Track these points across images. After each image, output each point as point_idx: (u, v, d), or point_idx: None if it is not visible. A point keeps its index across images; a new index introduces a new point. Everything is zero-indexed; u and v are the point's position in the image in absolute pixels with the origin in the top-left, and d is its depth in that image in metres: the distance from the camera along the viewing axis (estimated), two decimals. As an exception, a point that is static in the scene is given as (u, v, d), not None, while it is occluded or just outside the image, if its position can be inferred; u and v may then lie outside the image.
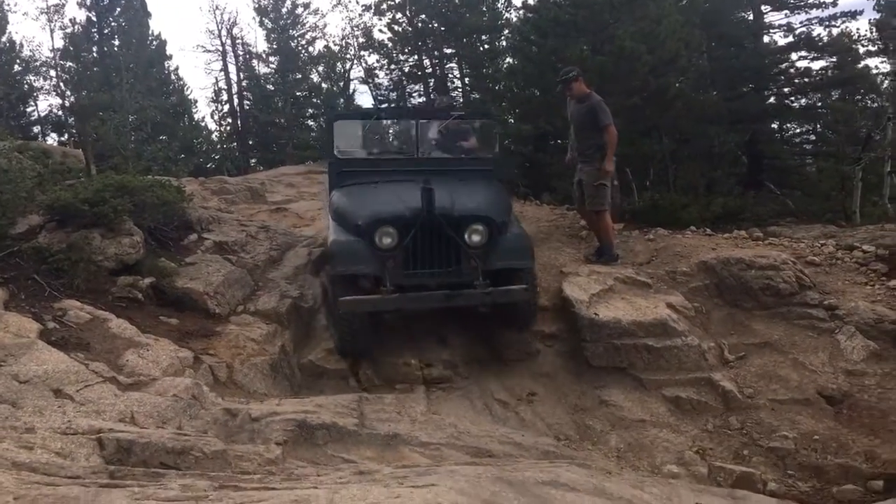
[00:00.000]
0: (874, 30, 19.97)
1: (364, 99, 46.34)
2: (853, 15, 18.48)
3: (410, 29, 24.39)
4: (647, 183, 14.88)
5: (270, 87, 30.22)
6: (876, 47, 19.87)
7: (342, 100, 27.77)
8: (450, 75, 24.33)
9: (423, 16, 24.17)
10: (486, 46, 23.43)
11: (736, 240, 9.16)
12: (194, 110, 31.94)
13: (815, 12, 18.21)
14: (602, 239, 8.49)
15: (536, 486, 4.18)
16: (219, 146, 30.69)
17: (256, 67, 31.51)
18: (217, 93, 31.19)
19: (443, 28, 23.69)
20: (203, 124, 31.60)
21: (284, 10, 31.59)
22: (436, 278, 6.58)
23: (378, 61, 26.41)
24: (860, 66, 23.47)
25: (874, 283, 7.57)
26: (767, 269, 7.56)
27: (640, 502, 4.33)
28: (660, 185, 15.02)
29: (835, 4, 18.07)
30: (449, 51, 24.20)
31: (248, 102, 30.20)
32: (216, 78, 31.92)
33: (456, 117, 8.43)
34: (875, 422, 5.99)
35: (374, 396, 6.20)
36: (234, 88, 30.54)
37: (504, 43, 22.45)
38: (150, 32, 31.84)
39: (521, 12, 19.70)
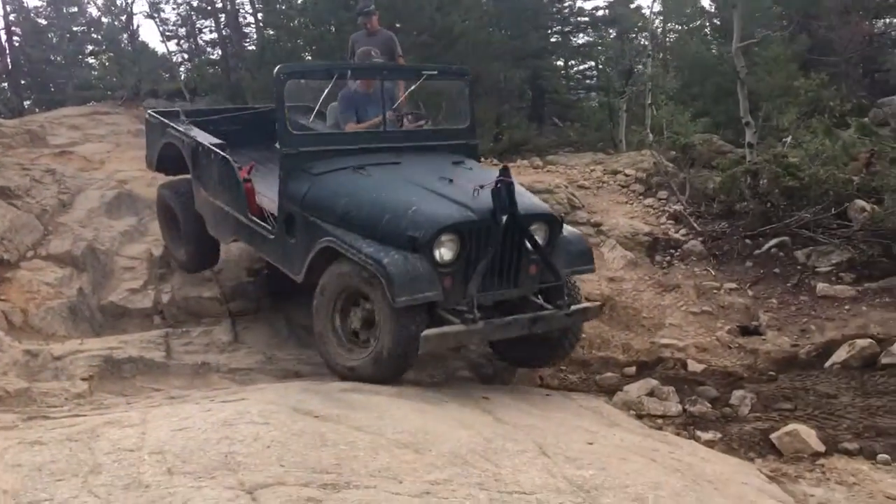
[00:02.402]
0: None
1: (150, 35, 43.83)
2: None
3: (197, -40, 23.33)
4: (439, 118, 15.50)
5: (42, 20, 27.77)
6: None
7: (126, 35, 26.14)
8: (241, 11, 23.61)
9: (210, -53, 23.17)
10: (279, -19, 22.95)
11: (519, 168, 10.01)
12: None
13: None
14: None
15: (340, 393, 4.62)
16: (-14, 87, 27.95)
17: (24, -1, 28.80)
18: (-22, 28, 28.24)
19: (232, -39, 22.86)
20: (-36, 63, 28.58)
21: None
22: (498, 297, 5.28)
23: (164, -7, 25.06)
24: (633, 5, 25.52)
25: (633, 202, 8.65)
26: (543, 193, 8.38)
27: (436, 400, 4.87)
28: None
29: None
30: (240, -15, 23.43)
31: (17, 38, 27.60)
32: (-24, 11, 28.88)
33: (428, 76, 6.34)
34: (630, 319, 7.00)
35: (180, 330, 6.37)
36: (0, 23, 27.78)
37: (295, -22, 22.12)
38: None
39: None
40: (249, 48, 20.71)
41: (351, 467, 3.32)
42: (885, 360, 5.24)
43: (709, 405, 5.27)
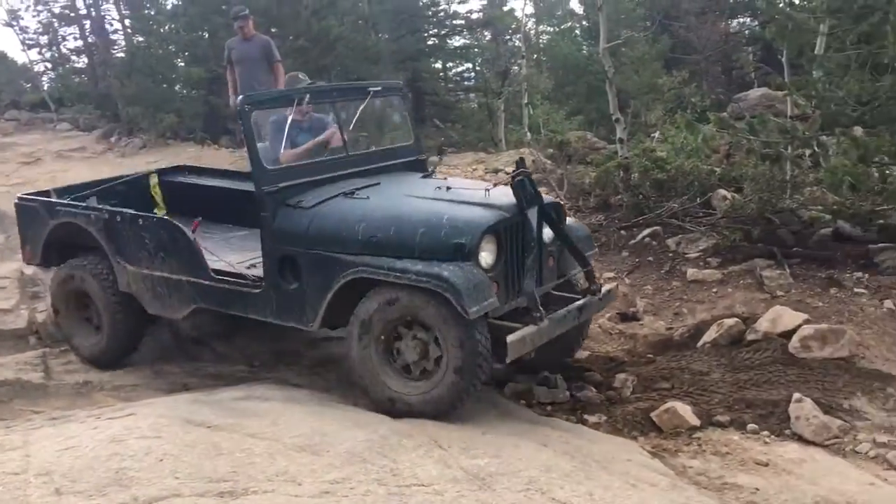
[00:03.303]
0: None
1: (9, 44, 41.30)
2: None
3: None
4: (384, 137, 15.46)
5: None
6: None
7: None
8: (107, 17, 22.70)
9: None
10: (145, -14, 22.27)
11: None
12: None
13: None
14: None
15: (232, 402, 4.59)
16: None
17: None
18: None
19: (93, -34, 21.96)
20: None
21: None
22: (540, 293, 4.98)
23: (23, 1, 23.81)
24: (506, 8, 26.17)
25: (513, 198, 8.88)
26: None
27: (330, 402, 4.90)
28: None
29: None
30: (104, -10, 22.54)
31: None
32: None
33: (374, 94, 5.98)
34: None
35: (58, 350, 6.13)
36: None
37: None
38: None
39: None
40: (118, 55, 19.96)
41: (248, 474, 3.32)
42: (750, 337, 5.60)
43: (594, 390, 5.48)
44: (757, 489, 3.96)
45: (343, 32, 13.26)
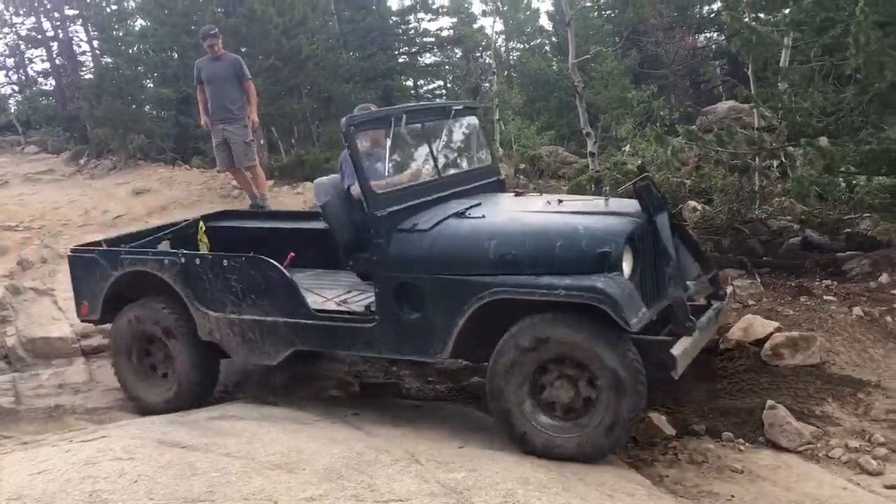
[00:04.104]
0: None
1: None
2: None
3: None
4: (292, 141, 15.48)
5: None
6: (489, 7, 22.38)
7: None
8: (75, 38, 22.55)
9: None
10: (114, 7, 22.15)
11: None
12: None
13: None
14: (251, 193, 8.93)
15: (206, 421, 4.55)
16: None
17: None
18: None
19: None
20: None
21: None
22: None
23: (-11, 24, 23.56)
24: (476, 26, 26.38)
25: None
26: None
27: (306, 420, 4.87)
28: (305, 142, 15.71)
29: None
30: (72, 12, 22.38)
31: None
32: None
33: (455, 114, 5.77)
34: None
35: (28, 374, 6.03)
36: None
37: (133, 4, 21.45)
38: None
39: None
40: (86, 77, 19.83)
41: (224, 493, 3.29)
42: (722, 346, 5.66)
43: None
44: (733, 496, 4.00)
45: (314, 51, 13.29)
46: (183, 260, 5.32)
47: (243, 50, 12.60)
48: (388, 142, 5.08)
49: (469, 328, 4.36)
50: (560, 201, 4.91)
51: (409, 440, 4.27)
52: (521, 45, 28.59)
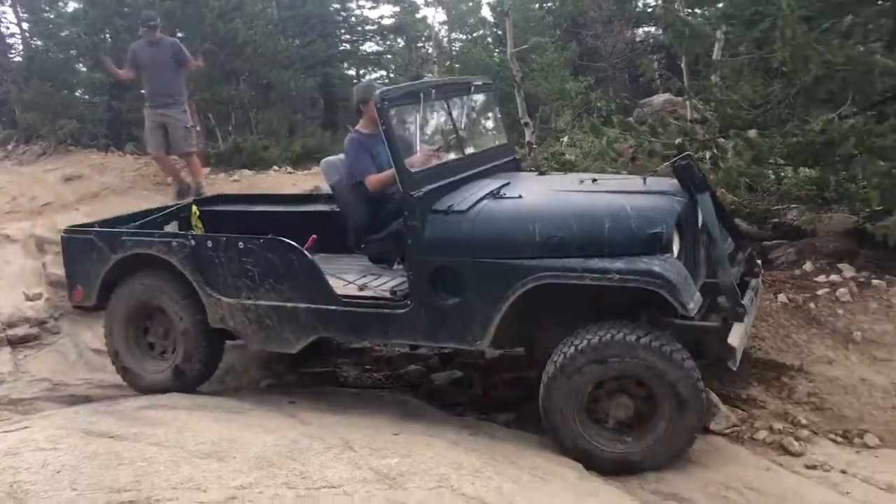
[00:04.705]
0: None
1: None
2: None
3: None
4: (229, 128, 15.23)
5: None
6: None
7: None
8: (3, 20, 21.76)
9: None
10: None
11: (313, 175, 10.03)
12: None
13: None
14: (179, 179, 8.81)
15: (135, 411, 4.46)
16: None
17: None
18: None
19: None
20: None
21: None
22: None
23: None
24: (419, 15, 26.33)
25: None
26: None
27: (239, 408, 4.81)
28: (243, 128, 15.48)
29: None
30: (-1, -6, 21.60)
31: None
32: None
33: (475, 89, 5.62)
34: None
35: (-50, 365, 5.83)
36: None
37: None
38: None
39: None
40: (15, 59, 19.14)
41: (151, 482, 3.23)
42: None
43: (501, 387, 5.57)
44: (662, 478, 4.08)
45: (251, 36, 13.08)
46: (193, 242, 5.03)
47: (179, 35, 12.33)
48: (419, 118, 4.88)
49: (507, 314, 4.22)
50: (594, 180, 4.76)
51: (344, 427, 4.25)
52: (463, 36, 28.65)
